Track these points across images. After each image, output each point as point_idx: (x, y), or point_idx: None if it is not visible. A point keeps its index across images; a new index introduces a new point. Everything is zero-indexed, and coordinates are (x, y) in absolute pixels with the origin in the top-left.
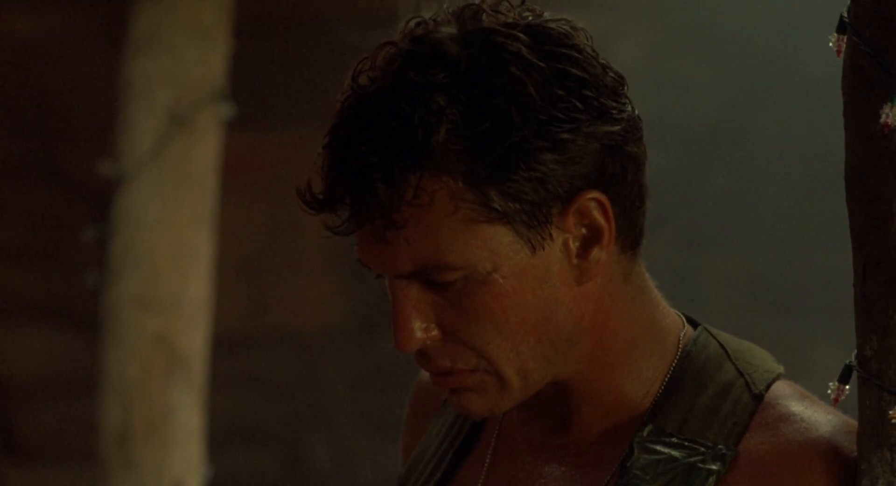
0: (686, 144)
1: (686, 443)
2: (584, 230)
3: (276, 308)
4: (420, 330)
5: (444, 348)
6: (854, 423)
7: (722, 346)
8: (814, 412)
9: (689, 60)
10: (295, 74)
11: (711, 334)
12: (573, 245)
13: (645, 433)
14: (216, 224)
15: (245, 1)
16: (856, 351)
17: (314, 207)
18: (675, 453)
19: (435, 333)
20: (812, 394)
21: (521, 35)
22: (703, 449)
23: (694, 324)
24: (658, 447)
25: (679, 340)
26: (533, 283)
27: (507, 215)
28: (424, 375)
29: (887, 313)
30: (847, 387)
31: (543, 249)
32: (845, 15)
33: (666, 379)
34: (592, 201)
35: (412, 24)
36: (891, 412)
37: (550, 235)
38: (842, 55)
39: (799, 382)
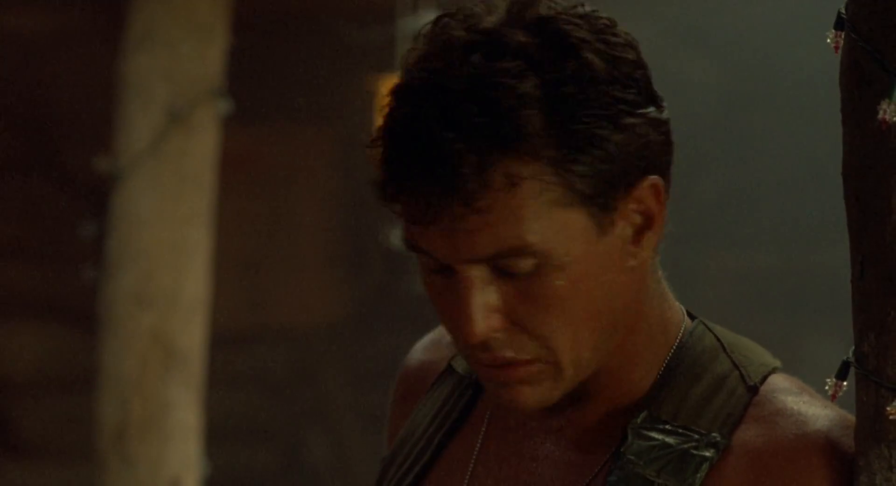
0: (684, 140)
1: (680, 430)
2: (638, 217)
3: (274, 305)
4: (489, 320)
5: (506, 338)
6: (851, 418)
7: (718, 339)
8: (811, 407)
9: (688, 57)
10: (292, 71)
11: (708, 328)
12: (628, 231)
13: (639, 420)
14: (213, 221)
15: None
16: (853, 347)
17: (394, 196)
18: (668, 439)
19: (501, 323)
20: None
21: (581, 22)
22: (696, 436)
23: (691, 318)
24: (652, 434)
25: (679, 332)
26: (598, 270)
27: (585, 199)
28: (411, 359)
29: (885, 310)
30: (845, 383)
31: (607, 234)
32: (843, 11)
33: (661, 369)
34: (650, 187)
35: (456, 14)
36: (888, 409)
37: (613, 220)
38: (839, 52)
39: (796, 378)
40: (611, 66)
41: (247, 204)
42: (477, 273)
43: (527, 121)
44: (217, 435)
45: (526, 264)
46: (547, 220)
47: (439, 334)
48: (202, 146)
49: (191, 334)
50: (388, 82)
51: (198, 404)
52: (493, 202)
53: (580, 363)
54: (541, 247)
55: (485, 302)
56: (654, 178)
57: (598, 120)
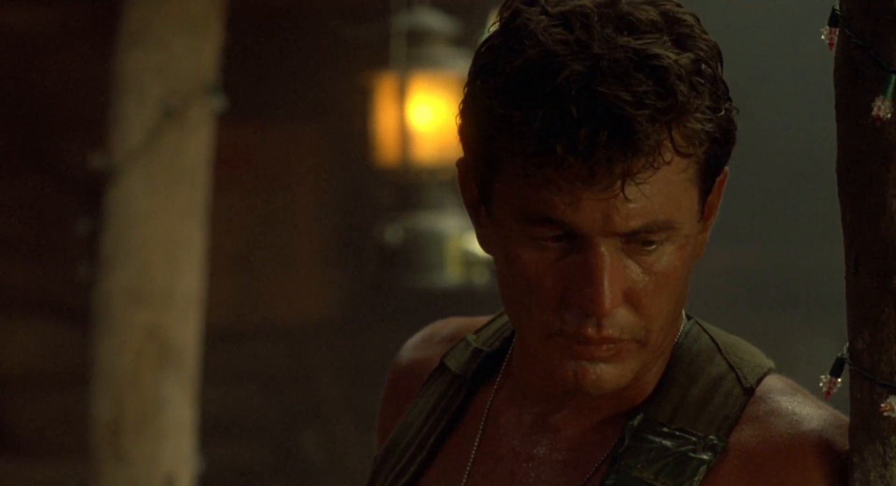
0: None
1: (677, 433)
2: (706, 207)
3: (268, 301)
4: (614, 295)
5: (616, 316)
6: (845, 418)
7: (713, 340)
8: (805, 407)
9: None
10: (286, 67)
11: (703, 329)
12: (700, 220)
13: (636, 423)
14: (208, 217)
15: None
16: (848, 344)
17: (559, 157)
18: (666, 442)
19: (622, 300)
20: (804, 388)
21: (679, 5)
22: (694, 439)
23: (687, 318)
24: (649, 436)
25: (678, 332)
26: (692, 253)
27: (701, 179)
28: (402, 357)
29: (879, 306)
30: (839, 380)
31: (700, 219)
32: (837, 8)
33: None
34: (722, 179)
35: None
36: (882, 405)
37: (703, 205)
38: (833, 48)
39: (791, 375)
40: (714, 51)
41: (241, 200)
42: (613, 246)
43: (694, 94)
44: (211, 431)
45: (660, 238)
46: (685, 196)
47: (430, 331)
48: (196, 143)
49: (185, 330)
50: (383, 79)
51: (192, 400)
52: (653, 173)
53: (657, 347)
54: (678, 224)
55: (616, 277)
56: (727, 169)
57: (716, 92)
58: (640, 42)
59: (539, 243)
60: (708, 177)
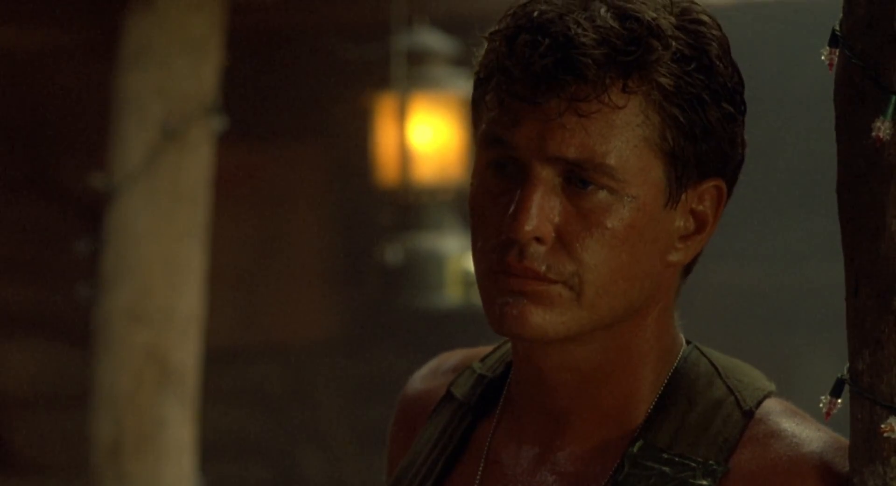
0: None
1: (677, 459)
2: (692, 221)
3: (268, 321)
4: (541, 223)
5: (545, 252)
6: (844, 440)
7: (713, 364)
8: (804, 429)
9: None
10: (286, 87)
11: (703, 353)
12: (681, 225)
13: (636, 449)
14: (208, 237)
15: (237, 14)
16: (848, 365)
17: (509, 73)
18: (665, 469)
19: (549, 234)
20: (804, 408)
21: (702, 8)
22: (693, 465)
23: (686, 343)
24: (649, 463)
25: (677, 357)
26: (650, 235)
27: (668, 156)
28: (409, 389)
29: (879, 327)
30: (839, 401)
31: (667, 210)
32: (837, 29)
33: (658, 394)
34: (715, 189)
35: None
36: (883, 426)
37: (677, 202)
38: (834, 69)
39: (791, 395)
40: (723, 52)
41: (241, 221)
42: (548, 177)
43: (658, 49)
44: (211, 452)
45: (598, 182)
46: (633, 153)
47: (436, 363)
48: (196, 163)
49: (185, 350)
50: (383, 99)
51: (192, 420)
52: (597, 110)
53: (597, 308)
54: (619, 175)
55: (545, 205)
56: (721, 182)
57: (709, 85)
58: (628, 2)
59: (489, 171)
60: (679, 163)
